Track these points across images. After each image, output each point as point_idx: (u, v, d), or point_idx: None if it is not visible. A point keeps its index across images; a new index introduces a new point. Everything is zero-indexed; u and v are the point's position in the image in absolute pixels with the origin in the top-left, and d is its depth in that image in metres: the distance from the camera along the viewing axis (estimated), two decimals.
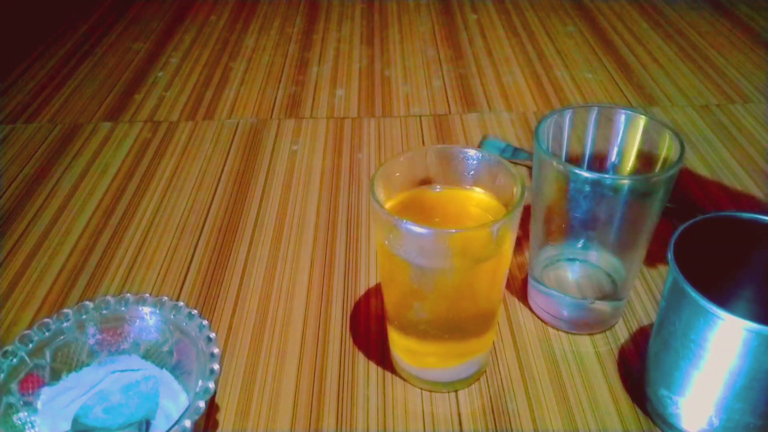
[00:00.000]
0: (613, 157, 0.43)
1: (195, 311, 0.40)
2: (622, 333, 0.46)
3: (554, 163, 0.39)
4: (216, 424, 0.40)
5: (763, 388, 0.33)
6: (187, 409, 0.34)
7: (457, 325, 0.39)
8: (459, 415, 0.41)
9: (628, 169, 0.43)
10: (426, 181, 0.40)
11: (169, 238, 0.55)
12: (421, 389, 0.42)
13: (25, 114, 0.73)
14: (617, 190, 0.38)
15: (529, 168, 0.60)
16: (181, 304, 0.40)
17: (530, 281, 0.47)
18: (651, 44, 0.85)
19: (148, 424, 0.38)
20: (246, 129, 0.69)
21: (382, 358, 0.44)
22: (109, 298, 0.41)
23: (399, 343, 0.42)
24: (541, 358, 0.44)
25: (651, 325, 0.46)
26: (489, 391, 0.42)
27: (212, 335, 0.38)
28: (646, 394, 0.40)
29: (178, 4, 1.00)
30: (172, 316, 0.40)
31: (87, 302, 0.41)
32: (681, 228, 0.36)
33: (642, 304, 0.48)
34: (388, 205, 0.38)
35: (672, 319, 0.35)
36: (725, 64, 0.80)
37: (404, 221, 0.34)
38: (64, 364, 0.40)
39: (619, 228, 0.41)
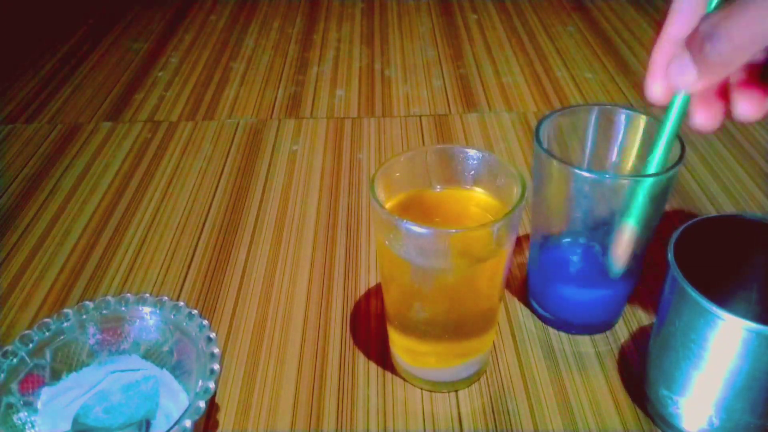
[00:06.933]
0: (613, 157, 0.43)
1: (195, 311, 0.40)
2: (622, 333, 0.46)
3: (554, 163, 0.39)
4: (216, 424, 0.40)
5: (763, 388, 0.33)
6: (187, 409, 0.34)
7: (457, 325, 0.39)
8: (459, 415, 0.41)
9: (628, 169, 0.43)
10: (426, 182, 0.40)
11: (169, 238, 0.55)
12: (421, 389, 0.42)
13: (25, 114, 0.73)
14: (617, 190, 0.38)
15: None
16: (181, 304, 0.40)
17: (530, 281, 0.47)
18: (651, 44, 0.85)
19: (148, 424, 0.38)
20: (246, 129, 0.69)
21: (382, 358, 0.44)
22: (109, 298, 0.41)
23: (399, 343, 0.42)
24: (541, 358, 0.44)
25: (651, 325, 0.46)
26: (489, 391, 0.42)
27: (212, 335, 0.38)
28: (646, 394, 0.40)
29: (178, 4, 1.00)
30: (172, 316, 0.40)
31: (87, 302, 0.41)
32: (681, 228, 0.36)
33: (642, 304, 0.48)
34: (388, 205, 0.38)
35: (672, 319, 0.35)
36: None
37: (404, 221, 0.34)
38: (64, 364, 0.40)
39: (619, 227, 0.41)
